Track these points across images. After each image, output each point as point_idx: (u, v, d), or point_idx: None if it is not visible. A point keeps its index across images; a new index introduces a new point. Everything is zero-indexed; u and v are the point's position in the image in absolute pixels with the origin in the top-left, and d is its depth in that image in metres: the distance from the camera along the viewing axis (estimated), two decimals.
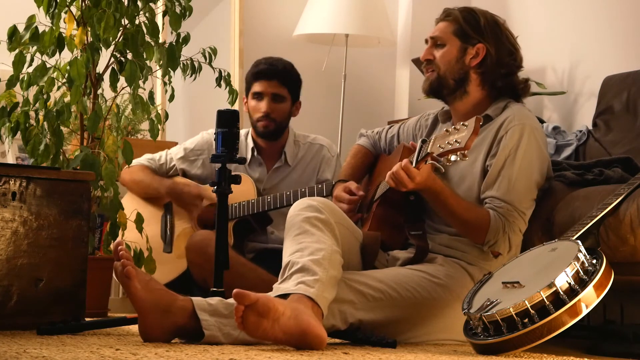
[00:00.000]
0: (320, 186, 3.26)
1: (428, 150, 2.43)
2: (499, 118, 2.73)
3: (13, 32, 2.99)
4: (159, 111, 3.75)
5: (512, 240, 2.64)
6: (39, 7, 3.07)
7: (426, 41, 2.87)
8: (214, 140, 2.69)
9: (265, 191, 3.53)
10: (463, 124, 2.36)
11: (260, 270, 3.19)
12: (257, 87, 3.54)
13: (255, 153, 3.60)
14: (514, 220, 2.63)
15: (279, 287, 2.36)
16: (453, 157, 2.35)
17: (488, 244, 2.64)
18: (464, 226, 2.65)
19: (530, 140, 2.67)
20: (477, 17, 2.80)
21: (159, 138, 3.66)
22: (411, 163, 2.49)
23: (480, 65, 2.77)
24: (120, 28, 3.10)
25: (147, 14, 3.12)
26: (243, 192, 3.42)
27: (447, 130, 2.41)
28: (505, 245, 2.64)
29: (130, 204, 3.56)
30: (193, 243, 3.27)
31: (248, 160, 3.59)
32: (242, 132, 3.64)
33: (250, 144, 3.61)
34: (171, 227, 3.57)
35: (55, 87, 3.11)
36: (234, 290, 2.16)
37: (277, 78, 3.53)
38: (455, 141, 2.33)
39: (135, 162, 3.58)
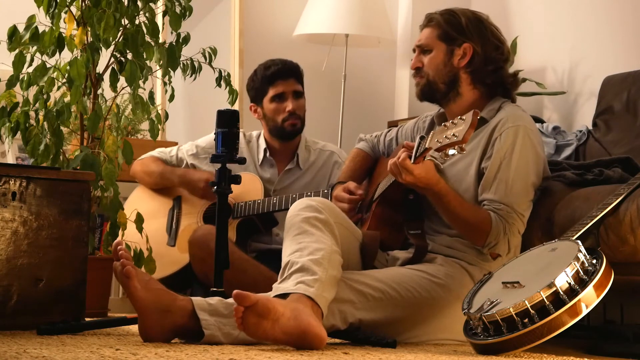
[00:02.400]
0: (326, 191, 3.26)
1: (426, 146, 2.44)
2: (492, 120, 2.73)
3: (13, 32, 2.99)
4: (159, 111, 3.75)
5: (511, 242, 2.65)
6: (39, 7, 3.07)
7: (414, 50, 2.88)
8: (214, 140, 2.69)
9: (275, 192, 3.53)
10: (460, 118, 2.36)
11: (262, 266, 3.19)
12: (277, 89, 3.52)
13: (268, 154, 3.60)
14: (513, 222, 2.63)
15: (278, 287, 2.36)
16: (451, 151, 2.36)
17: (489, 245, 2.64)
18: (466, 228, 2.65)
19: (525, 142, 2.67)
20: (458, 17, 2.80)
21: (159, 138, 3.67)
22: (410, 159, 2.50)
23: (469, 64, 2.78)
24: (120, 28, 3.10)
25: (147, 14, 3.12)
26: (251, 192, 3.42)
27: (445, 125, 2.42)
28: (505, 247, 2.65)
29: (141, 197, 3.57)
30: (196, 237, 3.28)
31: (260, 161, 3.58)
32: (254, 133, 3.66)
33: (263, 144, 3.61)
34: (177, 221, 3.58)
35: (55, 87, 3.11)
36: (234, 292, 2.16)
37: (293, 75, 3.54)
38: (453, 135, 2.34)
39: (146, 155, 3.60)
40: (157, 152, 3.68)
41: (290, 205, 3.27)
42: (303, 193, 3.31)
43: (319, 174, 3.60)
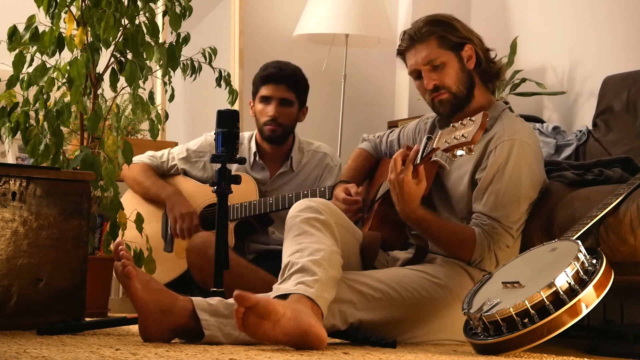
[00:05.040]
0: (322, 189, 3.26)
1: (434, 146, 2.43)
2: (490, 131, 2.71)
3: (13, 32, 2.99)
4: (159, 111, 3.75)
5: (498, 256, 2.64)
6: (39, 7, 3.07)
7: (413, 73, 2.78)
8: (214, 140, 2.69)
9: (267, 193, 3.53)
10: (470, 119, 2.35)
11: (261, 271, 3.19)
12: (265, 91, 3.52)
13: (257, 157, 3.59)
14: (499, 238, 2.62)
15: (278, 288, 2.36)
16: (459, 152, 2.35)
17: (474, 262, 2.64)
18: (449, 250, 2.67)
19: (520, 156, 2.64)
20: (447, 21, 2.76)
21: (159, 138, 3.66)
22: (416, 158, 2.49)
23: (477, 64, 2.77)
24: (120, 28, 3.10)
25: (147, 14, 3.12)
26: (245, 193, 3.41)
27: (453, 126, 2.40)
28: (492, 262, 2.64)
29: (131, 202, 3.56)
30: (193, 245, 3.27)
31: (250, 164, 3.58)
32: (246, 134, 3.64)
33: (253, 147, 3.60)
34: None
35: (55, 87, 3.11)
36: (235, 292, 2.16)
37: (286, 82, 3.51)
38: (462, 135, 2.33)
39: (136, 158, 3.57)
40: (147, 157, 3.65)
41: (287, 205, 3.30)
42: (299, 192, 3.31)
43: (311, 176, 3.59)
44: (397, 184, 2.51)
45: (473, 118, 2.34)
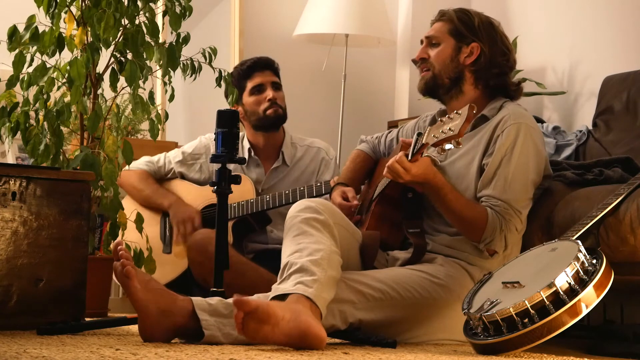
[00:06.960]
0: (319, 184, 3.27)
1: (423, 141, 2.46)
2: (495, 118, 2.75)
3: (13, 32, 2.99)
4: (159, 111, 3.75)
5: (508, 239, 2.65)
6: (39, 7, 3.07)
7: (421, 42, 2.90)
8: (214, 140, 2.69)
9: (263, 191, 3.53)
10: (456, 112, 2.39)
11: (261, 269, 3.19)
12: (254, 81, 3.56)
13: (253, 154, 3.60)
14: (510, 219, 2.64)
15: (277, 288, 2.36)
16: (447, 146, 2.38)
17: (484, 241, 2.64)
18: (462, 223, 2.65)
19: (527, 139, 2.68)
20: (471, 17, 2.84)
21: (159, 138, 3.66)
22: (407, 156, 2.51)
23: (474, 63, 2.80)
24: (120, 28, 3.10)
25: (147, 14, 3.12)
26: (242, 192, 3.42)
27: (441, 120, 2.45)
28: (502, 244, 2.65)
29: (131, 205, 3.56)
30: (194, 241, 3.28)
31: (245, 162, 3.58)
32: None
33: (246, 145, 3.61)
34: (170, 228, 3.57)
35: (55, 87, 3.11)
36: (234, 298, 2.16)
37: (269, 68, 3.59)
38: (449, 129, 2.36)
39: (133, 165, 3.57)
40: (144, 163, 3.66)
41: (284, 202, 3.31)
42: (295, 189, 3.32)
43: (307, 171, 3.60)
44: (404, 171, 2.53)
45: (460, 111, 2.38)
